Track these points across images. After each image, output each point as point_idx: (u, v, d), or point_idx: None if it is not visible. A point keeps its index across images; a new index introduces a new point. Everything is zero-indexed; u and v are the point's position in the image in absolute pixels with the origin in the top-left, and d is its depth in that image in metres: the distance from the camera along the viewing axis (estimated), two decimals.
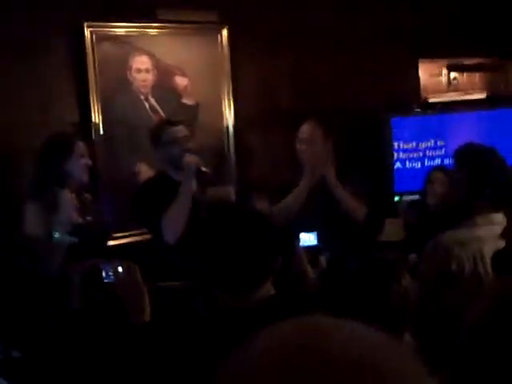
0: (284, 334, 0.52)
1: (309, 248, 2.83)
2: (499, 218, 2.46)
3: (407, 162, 4.48)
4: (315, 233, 2.94)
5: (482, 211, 2.46)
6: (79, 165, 3.12)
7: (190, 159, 3.22)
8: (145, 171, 3.84)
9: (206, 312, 2.26)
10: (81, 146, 3.16)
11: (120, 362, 1.79)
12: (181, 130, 3.35)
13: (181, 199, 3.16)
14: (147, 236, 3.54)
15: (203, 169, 3.21)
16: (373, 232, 3.67)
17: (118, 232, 3.76)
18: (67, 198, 3.03)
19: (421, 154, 4.49)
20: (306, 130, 3.57)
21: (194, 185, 3.27)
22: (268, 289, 1.95)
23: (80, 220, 3.08)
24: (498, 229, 2.41)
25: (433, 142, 4.50)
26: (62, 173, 3.07)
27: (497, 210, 2.46)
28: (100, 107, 3.73)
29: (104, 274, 1.99)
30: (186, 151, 3.27)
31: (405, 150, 4.48)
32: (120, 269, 2.07)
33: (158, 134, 3.36)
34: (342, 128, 3.94)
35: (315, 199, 3.47)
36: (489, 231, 2.43)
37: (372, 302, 1.89)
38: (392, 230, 4.01)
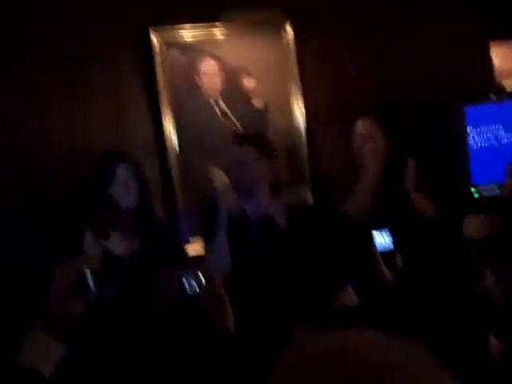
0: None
1: (383, 248, 2.78)
2: None
3: (484, 153, 4.33)
4: (388, 231, 2.90)
5: None
6: (123, 188, 3.16)
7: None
8: (217, 175, 3.86)
9: (289, 316, 2.26)
10: (123, 169, 3.19)
11: (209, 371, 1.81)
12: (249, 153, 3.36)
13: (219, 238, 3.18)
14: None
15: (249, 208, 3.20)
16: (449, 229, 3.58)
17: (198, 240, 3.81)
18: (123, 224, 3.06)
19: (497, 144, 4.33)
20: (362, 125, 3.53)
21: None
22: (349, 292, 1.95)
23: (136, 246, 3.09)
24: None
25: (509, 130, 4.34)
26: (107, 197, 3.12)
27: None
28: (171, 113, 3.78)
29: (187, 285, 1.99)
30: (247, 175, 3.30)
31: (480, 140, 4.33)
32: (203, 279, 2.08)
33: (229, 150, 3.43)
34: (412, 120, 3.85)
35: (386, 197, 3.43)
36: None
37: (453, 303, 1.85)
38: (473, 226, 3.88)
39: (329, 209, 2.63)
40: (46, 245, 3.23)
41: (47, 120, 3.54)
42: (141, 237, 3.12)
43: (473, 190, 4.23)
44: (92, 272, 1.47)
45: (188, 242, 3.73)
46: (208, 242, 3.27)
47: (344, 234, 1.93)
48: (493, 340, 1.82)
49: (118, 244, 2.99)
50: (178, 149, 3.81)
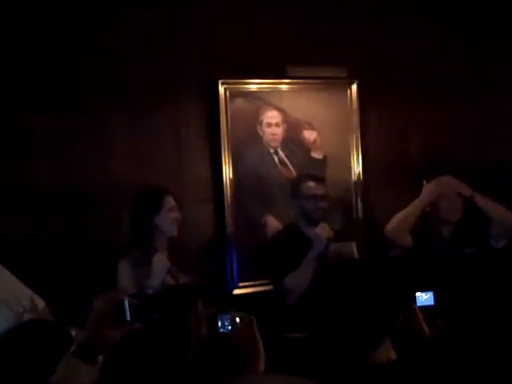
0: None
1: (425, 307, 2.75)
2: None
3: None
4: (432, 292, 2.87)
5: None
6: (168, 219, 3.20)
7: (322, 231, 3.29)
8: (272, 223, 3.92)
9: (323, 364, 2.27)
10: (170, 200, 3.23)
11: None
12: (320, 188, 3.44)
13: (304, 270, 3.21)
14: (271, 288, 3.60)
15: (332, 247, 3.25)
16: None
17: (245, 282, 3.86)
18: (161, 262, 3.11)
19: None
20: (445, 183, 3.49)
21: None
22: (387, 348, 1.94)
23: (172, 281, 3.11)
24: None
25: None
26: (151, 227, 3.16)
27: None
28: (231, 160, 3.88)
29: (220, 323, 2.04)
30: (321, 211, 3.38)
31: None
32: (238, 319, 2.12)
33: (299, 185, 3.48)
34: (480, 184, 3.79)
35: (434, 256, 3.40)
36: None
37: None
38: None
39: (374, 263, 2.63)
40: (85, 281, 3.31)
41: (111, 161, 3.68)
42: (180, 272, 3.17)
43: None
44: (129, 303, 1.53)
45: (237, 287, 3.80)
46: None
47: (387, 289, 1.93)
48: None
49: (155, 278, 3.05)
50: (234, 195, 3.88)
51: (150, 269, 3.04)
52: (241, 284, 3.87)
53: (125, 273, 3.07)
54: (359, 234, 4.09)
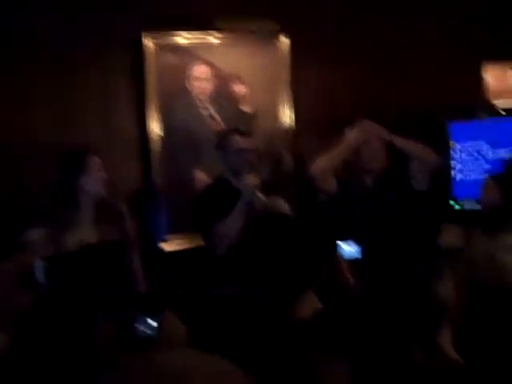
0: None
1: (351, 259, 2.81)
2: None
3: (467, 168, 4.37)
4: (357, 243, 2.93)
5: None
6: (93, 179, 3.17)
7: (250, 181, 3.32)
8: (201, 177, 3.93)
9: (251, 319, 2.31)
10: (95, 160, 3.20)
11: None
12: (248, 142, 3.44)
13: (234, 218, 3.24)
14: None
15: (259, 195, 3.29)
16: (430, 235, 3.63)
17: (175, 237, 3.88)
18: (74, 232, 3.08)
19: (483, 162, 4.37)
20: (366, 130, 3.55)
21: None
22: (313, 299, 1.99)
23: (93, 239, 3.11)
24: None
25: (494, 147, 4.38)
26: (75, 188, 3.13)
27: None
28: (158, 115, 3.84)
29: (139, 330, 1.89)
30: (249, 163, 3.36)
31: (464, 152, 4.37)
32: (155, 324, 1.96)
33: (226, 139, 3.47)
34: (399, 133, 3.88)
35: (359, 206, 3.48)
36: None
37: (413, 308, 1.89)
38: (451, 237, 3.93)
39: (299, 216, 2.68)
40: None
41: (34, 120, 3.61)
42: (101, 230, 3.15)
43: (453, 202, 4.28)
44: (43, 266, 1.52)
45: (165, 240, 3.83)
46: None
47: (309, 240, 1.96)
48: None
49: (73, 238, 3.03)
50: (162, 150, 3.87)
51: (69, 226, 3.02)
52: (172, 240, 3.89)
53: (41, 235, 3.05)
54: (289, 186, 4.13)
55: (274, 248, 1.93)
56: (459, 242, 3.92)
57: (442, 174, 4.22)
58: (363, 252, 2.93)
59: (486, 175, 3.82)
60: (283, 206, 3.37)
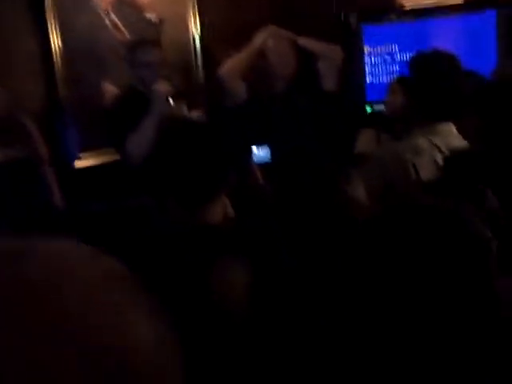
0: None
1: (262, 163, 2.79)
2: (445, 128, 2.37)
3: (379, 71, 4.38)
4: (268, 146, 2.91)
5: (425, 121, 2.35)
6: None
7: (161, 88, 3.18)
8: (109, 89, 3.76)
9: (161, 227, 2.27)
10: None
11: None
12: (154, 53, 3.28)
13: (146, 128, 3.12)
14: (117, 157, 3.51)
15: (171, 100, 3.17)
16: (345, 140, 3.65)
17: (87, 153, 3.74)
18: None
19: (394, 64, 4.38)
20: (273, 43, 3.50)
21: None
22: (225, 205, 1.96)
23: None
24: (444, 140, 2.33)
25: (406, 50, 4.38)
26: None
27: (443, 120, 2.36)
28: (59, 27, 3.61)
29: None
30: (158, 76, 3.22)
31: (377, 56, 4.37)
32: None
33: (133, 51, 3.31)
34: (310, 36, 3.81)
35: (271, 111, 3.45)
36: (430, 142, 2.32)
37: (321, 210, 1.90)
38: (364, 141, 3.96)
39: (208, 120, 2.61)
40: None
41: None
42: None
43: (367, 106, 4.30)
44: None
45: (78, 157, 3.69)
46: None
47: (217, 144, 1.92)
48: None
49: None
50: (65, 63, 3.66)
51: None
52: (85, 157, 3.75)
53: None
54: (200, 96, 4.03)
55: (182, 153, 1.89)
56: (373, 145, 3.97)
57: (353, 76, 4.22)
58: (275, 156, 2.92)
59: (392, 78, 3.86)
60: (188, 112, 3.30)
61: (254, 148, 2.83)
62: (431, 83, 2.31)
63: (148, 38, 3.49)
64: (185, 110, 3.21)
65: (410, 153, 2.32)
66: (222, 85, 3.53)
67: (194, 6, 4.03)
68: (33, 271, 0.45)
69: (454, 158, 2.23)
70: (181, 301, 1.52)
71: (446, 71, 2.33)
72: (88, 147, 3.74)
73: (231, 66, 3.50)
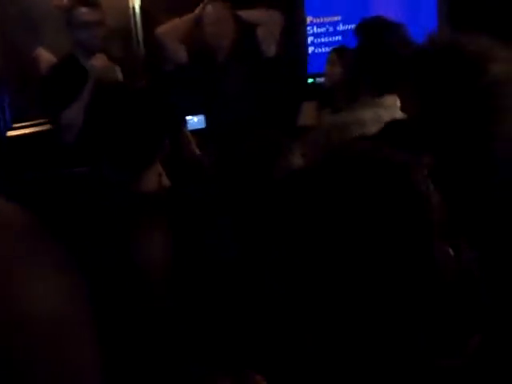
0: None
1: (196, 130, 2.74)
2: (390, 100, 2.32)
3: (321, 42, 4.35)
4: (203, 115, 2.86)
5: (368, 93, 2.31)
6: None
7: (96, 62, 3.08)
8: (44, 56, 3.62)
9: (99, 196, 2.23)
10: None
11: None
12: (93, 13, 3.16)
13: (79, 102, 3.02)
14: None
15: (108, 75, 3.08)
16: (287, 112, 3.64)
17: (19, 122, 3.62)
18: None
19: (337, 35, 4.36)
20: (210, 11, 3.45)
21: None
22: (158, 174, 1.93)
23: None
24: (389, 112, 2.30)
25: (348, 20, 4.36)
26: None
27: (388, 92, 2.31)
28: None
29: None
30: (97, 38, 3.12)
31: (319, 27, 4.34)
32: None
33: (69, 13, 3.18)
34: (252, 6, 3.75)
35: (205, 78, 3.41)
36: (374, 114, 2.26)
37: (261, 177, 1.87)
38: (306, 113, 3.93)
39: (138, 86, 2.55)
40: None
41: None
42: None
43: (309, 79, 4.27)
44: None
45: (11, 127, 3.56)
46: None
47: (151, 111, 1.89)
48: None
49: None
50: None
51: None
52: (16, 125, 3.61)
53: None
54: (140, 63, 3.93)
55: (116, 117, 1.85)
56: (315, 118, 3.95)
57: (294, 46, 4.19)
58: (211, 124, 2.87)
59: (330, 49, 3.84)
60: (120, 76, 3.22)
61: (189, 117, 2.78)
62: (378, 51, 2.26)
63: None
64: (120, 75, 3.13)
65: (354, 125, 2.28)
66: (161, 46, 3.49)
67: None
68: None
69: (390, 126, 2.21)
70: (100, 263, 1.50)
71: (393, 39, 2.28)
72: (21, 117, 3.61)
73: (169, 27, 3.49)
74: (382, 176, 0.98)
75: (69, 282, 0.46)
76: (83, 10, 3.16)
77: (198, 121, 2.83)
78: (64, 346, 0.44)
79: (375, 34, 2.30)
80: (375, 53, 2.26)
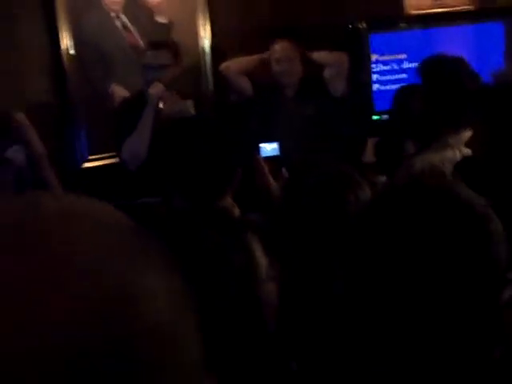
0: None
1: (270, 158, 2.78)
2: (465, 136, 2.33)
3: (386, 80, 4.37)
4: (277, 143, 2.91)
5: (451, 130, 2.30)
6: None
7: (154, 91, 3.20)
8: (119, 91, 3.78)
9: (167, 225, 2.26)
10: None
11: None
12: (160, 56, 3.30)
13: (139, 131, 3.13)
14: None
15: (161, 105, 3.20)
16: (354, 149, 3.67)
17: (95, 154, 3.75)
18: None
19: (402, 73, 4.38)
20: (279, 49, 3.54)
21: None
22: (228, 203, 1.95)
23: None
24: (462, 149, 2.30)
25: (414, 58, 4.38)
26: None
27: (463, 128, 2.30)
28: (69, 27, 3.62)
29: None
30: (158, 79, 3.24)
31: (384, 65, 4.37)
32: None
33: (142, 54, 3.41)
34: (319, 45, 3.83)
35: (278, 111, 3.48)
36: (453, 153, 2.27)
37: (328, 213, 1.87)
38: (371, 150, 3.95)
39: (211, 118, 2.61)
40: None
41: None
42: None
43: (375, 117, 4.29)
44: None
45: (84, 159, 3.69)
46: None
47: (224, 142, 1.92)
48: None
49: None
50: (74, 64, 3.67)
51: None
52: (92, 157, 3.75)
53: None
54: (208, 97, 4.03)
55: (189, 149, 1.88)
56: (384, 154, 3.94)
57: (361, 84, 4.22)
58: (284, 152, 2.93)
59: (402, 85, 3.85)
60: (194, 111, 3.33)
61: (262, 144, 2.84)
62: (450, 88, 2.27)
63: (160, 41, 3.51)
64: (192, 109, 3.24)
65: (437, 165, 2.26)
66: (225, 78, 3.61)
67: (204, 10, 4.03)
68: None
69: (463, 163, 2.22)
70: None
71: (462, 74, 2.28)
72: (96, 149, 3.74)
73: (233, 62, 3.66)
74: (453, 212, 0.99)
75: (181, 295, 0.47)
76: (154, 52, 3.31)
77: (271, 148, 2.88)
78: (178, 355, 0.44)
79: (444, 70, 2.32)
80: (447, 90, 2.27)
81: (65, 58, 3.63)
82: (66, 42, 3.62)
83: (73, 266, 0.41)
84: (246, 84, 3.63)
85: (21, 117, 2.93)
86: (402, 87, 3.77)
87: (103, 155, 3.77)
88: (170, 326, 0.44)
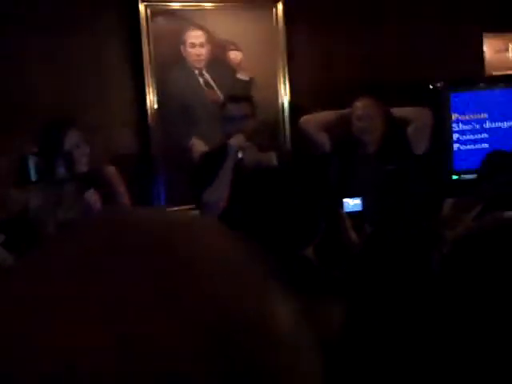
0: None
1: (353, 214, 2.76)
2: None
3: (467, 139, 4.31)
4: (360, 198, 2.89)
5: None
6: (73, 156, 2.90)
7: (234, 142, 3.25)
8: (198, 146, 3.85)
9: None
10: (73, 135, 2.95)
11: None
12: (240, 109, 3.36)
13: (219, 181, 3.17)
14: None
15: (240, 155, 3.24)
16: (432, 207, 3.60)
17: (174, 206, 3.80)
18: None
19: (483, 133, 4.31)
20: (361, 106, 3.56)
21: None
22: (309, 256, 1.94)
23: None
24: None
25: (495, 118, 4.32)
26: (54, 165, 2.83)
27: None
28: (154, 83, 3.75)
29: None
30: (237, 131, 3.28)
31: (465, 124, 4.31)
32: None
33: (221, 108, 3.46)
34: (399, 104, 3.83)
35: (359, 167, 3.46)
36: None
37: (412, 270, 1.84)
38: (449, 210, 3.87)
39: (294, 170, 2.61)
40: None
41: (29, 86, 3.51)
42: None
43: (455, 176, 4.22)
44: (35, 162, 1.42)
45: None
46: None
47: (308, 195, 1.91)
48: None
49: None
50: (158, 118, 3.78)
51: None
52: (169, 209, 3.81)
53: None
54: (288, 154, 4.06)
55: (267, 204, 1.87)
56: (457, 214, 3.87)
57: (442, 143, 4.18)
58: (366, 207, 2.90)
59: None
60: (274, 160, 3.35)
61: (345, 200, 2.83)
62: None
63: (238, 94, 3.59)
64: (274, 161, 3.27)
65: None
66: (303, 133, 3.68)
67: (284, 67, 4.10)
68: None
69: None
70: None
71: None
72: (174, 201, 3.80)
73: (312, 117, 3.71)
74: None
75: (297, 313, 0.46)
76: (231, 105, 3.37)
77: (354, 204, 2.86)
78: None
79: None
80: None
81: (149, 110, 3.73)
82: (151, 95, 3.73)
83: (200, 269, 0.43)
84: (324, 139, 3.65)
85: (112, 170, 3.03)
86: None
87: (180, 207, 3.82)
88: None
